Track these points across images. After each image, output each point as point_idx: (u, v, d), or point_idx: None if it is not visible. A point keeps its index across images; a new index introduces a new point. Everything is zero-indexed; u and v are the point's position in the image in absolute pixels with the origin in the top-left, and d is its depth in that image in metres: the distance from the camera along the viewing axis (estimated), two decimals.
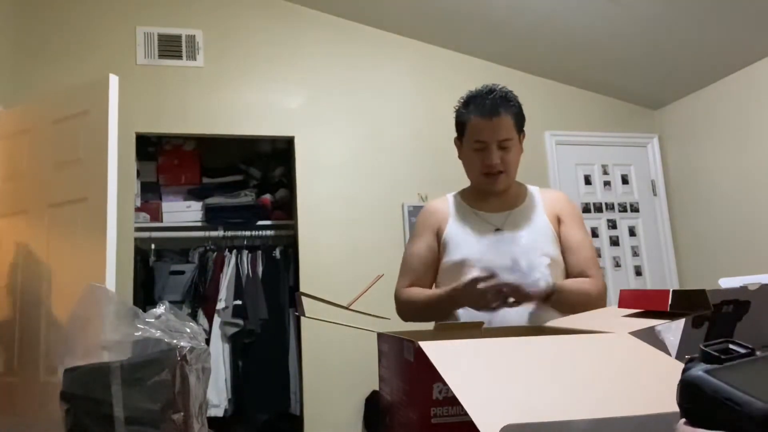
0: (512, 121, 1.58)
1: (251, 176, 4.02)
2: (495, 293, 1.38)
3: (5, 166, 2.73)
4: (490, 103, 1.56)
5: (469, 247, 1.59)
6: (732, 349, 0.45)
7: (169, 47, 3.46)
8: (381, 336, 0.89)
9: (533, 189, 1.73)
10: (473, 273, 1.42)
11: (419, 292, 1.63)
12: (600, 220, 4.03)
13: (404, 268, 1.71)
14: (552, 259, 1.57)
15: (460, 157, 1.70)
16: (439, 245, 1.66)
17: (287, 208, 3.86)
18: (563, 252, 1.62)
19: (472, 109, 1.59)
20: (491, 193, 1.66)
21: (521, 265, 1.42)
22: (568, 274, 1.61)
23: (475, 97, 1.61)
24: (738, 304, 0.89)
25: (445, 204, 1.72)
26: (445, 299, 1.52)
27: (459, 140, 1.68)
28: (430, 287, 1.68)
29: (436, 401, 0.71)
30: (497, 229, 1.61)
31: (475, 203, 1.68)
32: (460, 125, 1.64)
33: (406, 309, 1.65)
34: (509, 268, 1.44)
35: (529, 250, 1.54)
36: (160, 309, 0.95)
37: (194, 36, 3.51)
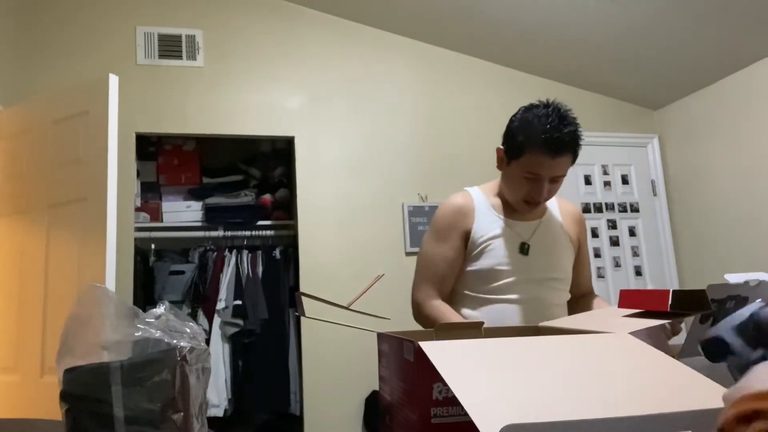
0: (571, 158, 1.50)
1: (251, 176, 4.02)
2: None
3: (5, 166, 2.73)
4: (558, 141, 1.44)
5: (498, 258, 1.56)
6: None
7: (169, 47, 3.46)
8: (381, 336, 0.89)
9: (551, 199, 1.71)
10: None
11: (451, 313, 1.53)
12: (600, 220, 4.03)
13: (427, 272, 1.60)
14: (567, 275, 1.63)
15: (500, 167, 1.62)
16: (465, 247, 1.60)
17: (287, 208, 3.86)
18: (576, 267, 1.69)
19: (536, 139, 1.45)
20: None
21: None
22: (574, 287, 1.69)
23: (544, 126, 1.45)
24: (739, 300, 0.89)
25: (470, 201, 1.63)
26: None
27: (508, 156, 1.56)
28: (448, 293, 1.63)
29: (436, 401, 0.70)
30: (524, 243, 1.58)
31: (501, 208, 1.63)
32: (517, 147, 1.51)
33: (429, 324, 1.54)
34: (537, 283, 1.54)
35: (553, 268, 1.60)
36: (160, 309, 0.95)
37: (194, 36, 3.51)
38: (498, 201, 1.64)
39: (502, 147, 1.59)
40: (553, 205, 1.70)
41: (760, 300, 0.48)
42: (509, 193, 1.59)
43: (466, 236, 1.59)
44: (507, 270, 1.55)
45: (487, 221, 1.60)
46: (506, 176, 1.59)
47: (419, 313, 1.60)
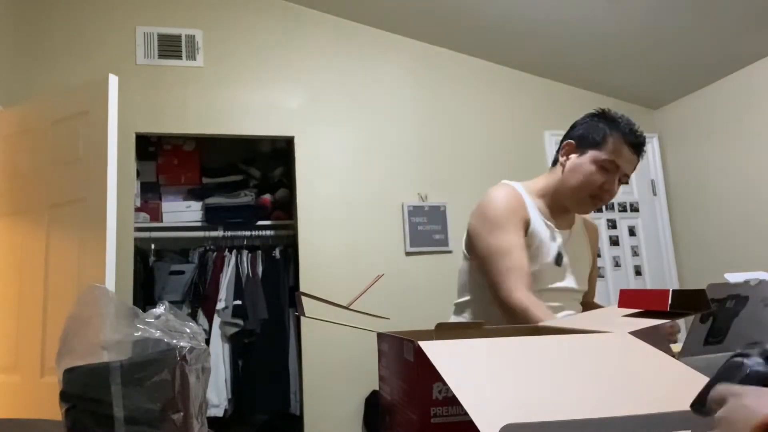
0: (637, 165, 1.57)
1: (251, 176, 4.02)
2: None
3: (5, 166, 2.73)
4: (641, 140, 1.53)
5: (541, 263, 1.52)
6: None
7: (169, 47, 3.46)
8: (381, 336, 0.89)
9: None
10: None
11: (536, 310, 1.35)
12: (600, 220, 4.03)
13: (512, 267, 1.41)
14: (584, 287, 1.64)
15: (567, 160, 1.57)
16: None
17: (287, 208, 3.86)
18: (589, 277, 1.70)
19: (623, 132, 1.51)
20: (564, 207, 1.60)
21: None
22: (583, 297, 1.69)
23: (623, 122, 1.53)
24: (739, 299, 0.89)
25: (519, 194, 1.56)
26: None
27: (582, 146, 1.54)
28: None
29: (436, 401, 0.70)
30: (559, 253, 1.56)
31: (544, 210, 1.59)
32: (600, 135, 1.51)
33: (520, 319, 1.36)
34: (565, 293, 1.54)
35: (579, 281, 1.60)
36: (160, 309, 0.95)
37: (194, 36, 3.51)
38: (542, 204, 1.59)
39: (571, 141, 1.57)
40: (579, 218, 1.69)
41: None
42: (574, 187, 1.53)
43: (526, 226, 1.52)
44: (544, 277, 1.52)
45: (538, 220, 1.55)
46: (574, 169, 1.53)
47: (517, 310, 1.37)
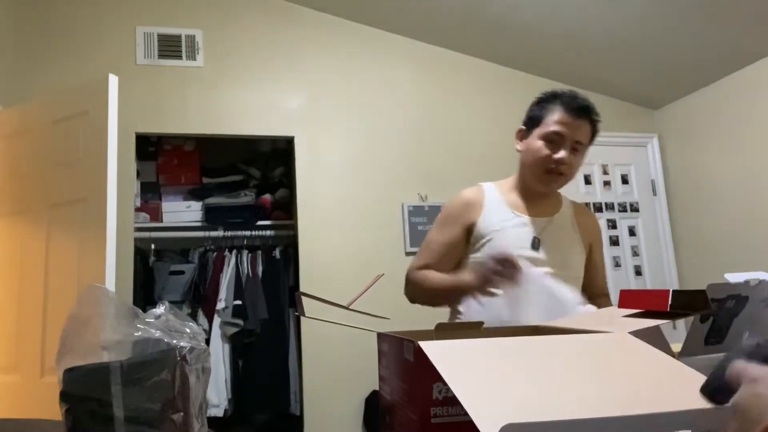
0: (590, 129, 1.59)
1: (251, 176, 4.02)
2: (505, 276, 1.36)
3: (5, 166, 2.73)
4: (580, 103, 1.57)
5: (505, 249, 1.52)
6: None
7: (169, 47, 3.46)
8: (381, 336, 0.89)
9: (566, 199, 1.74)
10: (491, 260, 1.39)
11: (431, 274, 1.60)
12: (600, 220, 4.00)
13: (423, 253, 1.66)
14: (577, 274, 1.63)
15: (520, 146, 1.65)
16: (468, 239, 1.61)
17: (287, 208, 3.86)
18: (588, 268, 1.69)
19: (561, 101, 1.57)
20: (538, 194, 1.64)
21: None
22: (587, 288, 1.68)
23: (563, 94, 1.59)
24: (739, 299, 0.89)
25: (480, 195, 1.65)
26: (454, 284, 1.51)
27: (527, 131, 1.62)
28: None
29: (436, 401, 0.70)
30: (535, 237, 1.58)
31: (514, 202, 1.63)
32: (537, 116, 1.59)
33: (412, 289, 1.64)
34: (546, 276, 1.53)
35: (564, 265, 1.59)
36: (160, 309, 0.95)
37: (194, 36, 3.51)
38: (513, 196, 1.65)
39: (522, 127, 1.64)
40: (567, 205, 1.71)
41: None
42: (530, 168, 1.59)
43: (470, 228, 1.60)
44: (520, 261, 1.53)
45: (497, 215, 1.60)
46: (527, 151, 1.60)
47: (407, 282, 1.65)
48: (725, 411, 0.51)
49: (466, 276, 1.48)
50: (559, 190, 1.70)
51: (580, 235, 1.67)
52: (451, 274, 1.60)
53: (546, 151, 1.55)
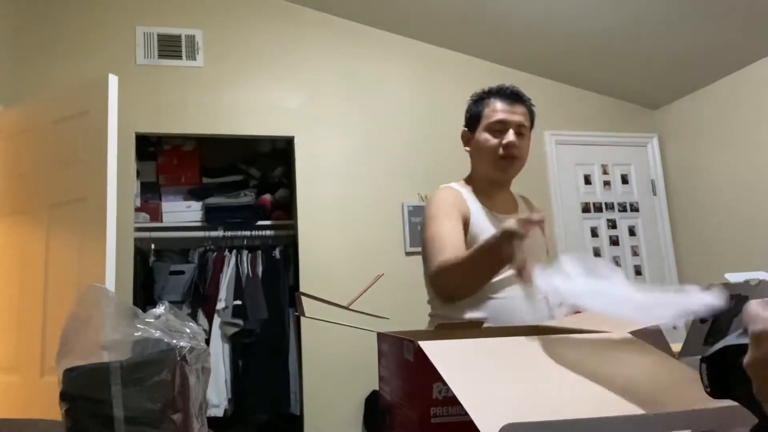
0: (527, 111, 1.66)
1: (251, 176, 4.02)
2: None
3: (5, 166, 2.73)
4: (510, 91, 1.65)
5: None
6: None
7: (169, 47, 3.46)
8: (381, 336, 0.89)
9: (515, 194, 1.78)
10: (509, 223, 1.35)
11: (457, 254, 1.47)
12: (600, 220, 4.03)
13: (439, 247, 1.52)
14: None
15: (469, 147, 1.70)
16: (466, 233, 1.59)
17: (287, 208, 3.86)
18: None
19: (492, 95, 1.65)
20: (495, 191, 1.67)
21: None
22: None
23: (492, 88, 1.68)
24: (739, 299, 0.89)
25: (460, 192, 1.65)
26: (482, 250, 1.40)
27: (471, 131, 1.69)
28: None
29: (436, 401, 0.71)
30: None
31: (485, 200, 1.66)
32: (476, 113, 1.67)
33: (451, 274, 1.47)
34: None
35: (534, 259, 1.57)
36: (160, 309, 0.95)
37: (194, 36, 3.51)
38: (479, 192, 1.68)
39: (464, 129, 1.72)
40: (519, 200, 1.76)
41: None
42: (483, 161, 1.64)
43: (466, 222, 1.60)
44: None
45: (479, 212, 1.63)
46: (476, 148, 1.66)
47: (438, 276, 1.51)
48: (726, 411, 0.51)
49: (488, 239, 1.39)
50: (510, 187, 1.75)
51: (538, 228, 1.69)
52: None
53: (494, 140, 1.61)
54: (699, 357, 0.50)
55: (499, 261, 1.41)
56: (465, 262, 1.43)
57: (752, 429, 0.45)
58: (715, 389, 0.47)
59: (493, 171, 1.64)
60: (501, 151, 1.60)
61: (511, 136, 1.60)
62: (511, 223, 1.32)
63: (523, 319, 1.49)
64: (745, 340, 0.45)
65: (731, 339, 0.47)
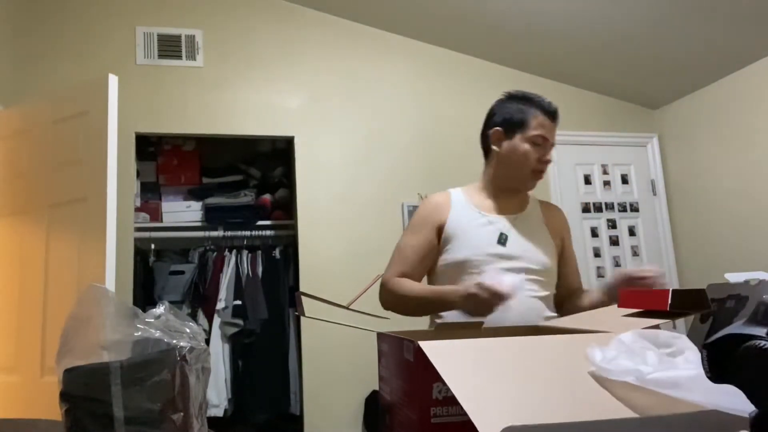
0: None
1: (251, 176, 4.02)
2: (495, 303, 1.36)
3: (5, 166, 2.73)
4: (555, 107, 1.66)
5: (473, 248, 1.58)
6: None
7: (169, 47, 3.46)
8: (381, 336, 0.89)
9: (533, 197, 1.78)
10: (477, 279, 1.41)
11: (410, 284, 1.61)
12: (600, 220, 4.03)
13: (397, 259, 1.67)
14: (547, 270, 1.64)
15: (498, 147, 1.67)
16: (439, 241, 1.64)
17: (287, 208, 3.86)
18: (562, 263, 1.73)
19: (540, 106, 1.64)
20: (507, 193, 1.69)
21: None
22: (563, 284, 1.71)
23: (536, 97, 1.67)
24: (739, 299, 0.89)
25: (447, 198, 1.70)
26: (439, 298, 1.53)
27: (506, 134, 1.66)
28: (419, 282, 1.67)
29: (436, 401, 0.70)
30: (502, 234, 1.61)
31: (481, 203, 1.68)
32: (520, 120, 1.64)
33: (392, 299, 1.62)
34: (515, 273, 1.54)
35: (532, 260, 1.61)
36: (160, 309, 0.95)
37: (194, 36, 3.51)
38: (480, 197, 1.69)
39: (498, 128, 1.67)
40: (534, 202, 1.76)
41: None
42: (514, 168, 1.64)
43: (440, 229, 1.64)
44: (483, 260, 1.56)
45: (463, 214, 1.65)
46: (508, 153, 1.65)
47: (383, 291, 1.65)
48: (726, 413, 0.51)
49: (450, 291, 1.49)
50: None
51: (548, 228, 1.71)
52: (433, 286, 1.64)
53: (534, 154, 1.62)
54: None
55: (451, 307, 1.50)
56: (416, 298, 1.57)
57: (752, 417, 0.46)
58: (715, 374, 0.48)
59: (520, 182, 1.67)
60: (537, 166, 1.63)
61: (550, 154, 1.64)
62: (474, 288, 1.37)
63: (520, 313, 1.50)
64: (747, 330, 0.45)
65: (734, 328, 0.47)
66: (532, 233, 1.65)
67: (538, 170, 1.63)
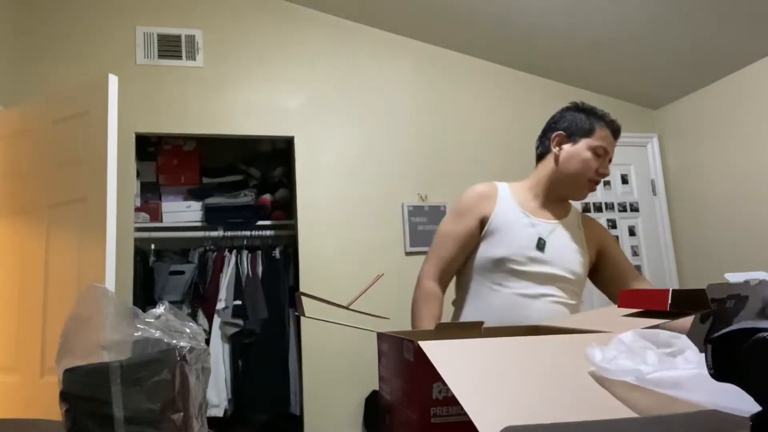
0: None
1: (251, 176, 4.02)
2: None
3: (5, 166, 2.73)
4: (617, 125, 1.68)
5: (513, 248, 1.60)
6: None
7: (169, 47, 3.46)
8: (381, 336, 0.89)
9: (574, 207, 1.79)
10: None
11: (428, 313, 1.60)
12: (600, 220, 4.02)
13: (438, 250, 1.66)
14: (577, 279, 1.66)
15: (559, 151, 1.68)
16: (481, 232, 1.65)
17: (287, 208, 3.86)
18: (612, 265, 1.73)
19: (604, 120, 1.66)
20: (553, 199, 1.70)
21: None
22: (621, 285, 1.69)
23: (600, 111, 1.69)
24: (739, 299, 0.89)
25: (493, 191, 1.70)
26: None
27: (572, 137, 1.67)
28: (455, 272, 1.69)
29: (436, 401, 0.70)
30: (541, 239, 1.63)
31: (526, 203, 1.69)
32: (587, 127, 1.66)
33: (413, 306, 1.64)
34: (548, 279, 1.58)
35: (565, 269, 1.63)
36: (160, 309, 0.95)
37: (194, 36, 3.51)
38: (525, 197, 1.70)
39: (561, 132, 1.68)
40: (575, 212, 1.77)
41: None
42: (573, 174, 1.65)
43: (484, 220, 1.65)
44: (520, 261, 1.59)
45: (509, 211, 1.65)
46: (569, 157, 1.66)
47: (417, 290, 1.65)
48: (726, 413, 0.51)
49: None
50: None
51: (585, 241, 1.71)
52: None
53: (594, 163, 1.64)
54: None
55: None
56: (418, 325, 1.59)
57: (753, 417, 0.46)
58: (719, 370, 0.48)
59: (574, 188, 1.68)
60: (595, 176, 1.65)
61: (608, 166, 1.66)
62: None
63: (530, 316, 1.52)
64: (757, 324, 0.45)
65: (741, 325, 0.47)
66: (568, 242, 1.67)
67: (594, 180, 1.65)
